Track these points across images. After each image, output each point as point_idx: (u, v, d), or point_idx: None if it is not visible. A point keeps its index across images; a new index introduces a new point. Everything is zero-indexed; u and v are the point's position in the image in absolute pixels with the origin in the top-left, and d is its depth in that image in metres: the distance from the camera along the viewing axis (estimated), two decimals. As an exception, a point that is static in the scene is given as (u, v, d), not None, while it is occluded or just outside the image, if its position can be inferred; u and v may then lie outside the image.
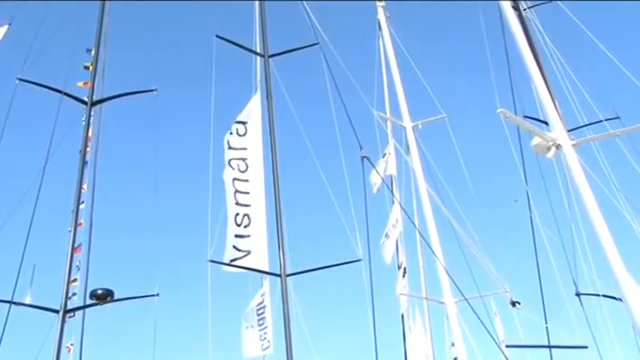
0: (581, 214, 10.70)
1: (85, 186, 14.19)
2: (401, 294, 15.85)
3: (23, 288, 12.75)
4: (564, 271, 15.40)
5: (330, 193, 13.88)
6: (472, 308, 9.96)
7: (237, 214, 12.57)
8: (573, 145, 8.53)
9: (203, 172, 13.78)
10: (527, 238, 16.54)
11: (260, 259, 12.60)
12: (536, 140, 8.67)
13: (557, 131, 8.59)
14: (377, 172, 15.56)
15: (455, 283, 11.97)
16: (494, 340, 8.85)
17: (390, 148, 17.14)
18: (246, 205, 12.70)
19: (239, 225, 12.45)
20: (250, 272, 12.79)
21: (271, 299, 12.31)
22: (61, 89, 14.50)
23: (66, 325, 12.69)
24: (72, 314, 12.95)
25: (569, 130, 9.53)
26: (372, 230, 14.83)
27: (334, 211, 13.88)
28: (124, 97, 15.28)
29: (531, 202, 16.07)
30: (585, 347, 14.47)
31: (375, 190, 16.53)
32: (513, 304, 14.96)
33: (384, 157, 16.96)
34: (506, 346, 14.73)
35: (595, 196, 9.83)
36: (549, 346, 15.26)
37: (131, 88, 15.56)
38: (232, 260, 12.42)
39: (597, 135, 10.30)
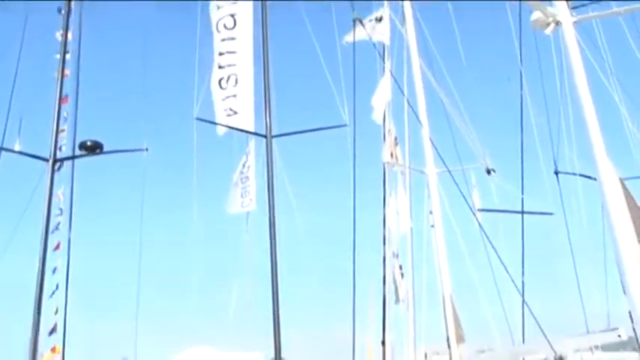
0: (570, 93, 10.70)
1: (70, 35, 13.78)
2: (386, 162, 16.16)
3: (11, 138, 12.85)
4: (546, 150, 15.77)
5: (319, 54, 13.62)
6: (452, 177, 10.25)
7: (222, 78, 12.40)
8: (574, 23, 8.36)
9: (192, 32, 13.40)
10: (515, 116, 16.70)
11: (246, 119, 12.64)
12: (536, 15, 8.45)
13: (559, 7, 8.35)
14: (367, 32, 15.07)
15: (438, 152, 12.22)
16: (469, 205, 9.19)
17: (385, 14, 16.54)
18: (230, 66, 12.47)
19: (224, 88, 12.32)
20: (236, 133, 12.90)
21: (256, 160, 12.55)
22: None
23: (56, 175, 12.95)
24: (61, 164, 13.15)
25: (572, 8, 9.24)
26: (360, 98, 14.82)
27: (323, 76, 13.74)
28: None
29: (523, 80, 16.03)
30: (551, 214, 15.33)
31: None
32: (488, 171, 15.76)
33: (377, 20, 16.40)
34: (480, 210, 15.59)
35: (588, 78, 9.81)
36: (520, 212, 16.06)
37: None
38: (220, 119, 12.47)
39: (598, 13, 9.98)
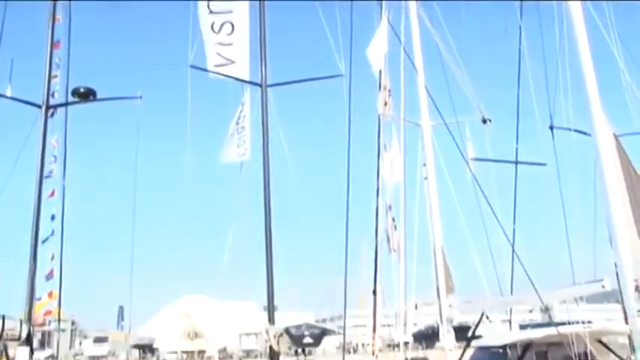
0: (570, 47, 10.65)
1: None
2: (381, 114, 16.12)
3: (3, 83, 12.69)
4: (542, 105, 15.78)
5: (316, 4, 13.37)
6: (447, 128, 10.21)
7: (214, 23, 12.21)
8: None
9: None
10: (512, 71, 16.66)
11: (242, 68, 12.51)
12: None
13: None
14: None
15: (434, 102, 12.17)
16: (462, 155, 9.21)
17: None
18: (225, 12, 12.25)
19: (217, 32, 12.14)
20: (231, 82, 12.78)
21: (251, 110, 12.48)
22: None
23: (50, 122, 12.86)
24: (54, 110, 13.04)
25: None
26: (357, 50, 14.65)
27: (320, 26, 13.53)
28: None
29: (522, 35, 15.97)
30: (544, 164, 15.49)
31: None
32: (484, 120, 15.88)
33: None
34: (473, 159, 15.75)
35: (588, 32, 9.75)
36: (514, 162, 16.23)
37: None
38: (215, 67, 12.34)
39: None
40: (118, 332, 67.67)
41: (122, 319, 66.76)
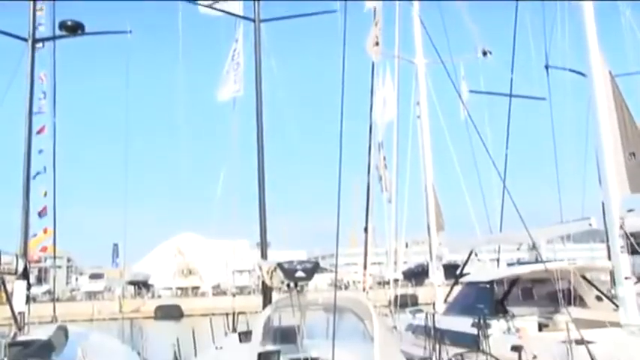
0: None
1: None
2: (369, 50, 15.88)
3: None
4: (539, 44, 15.62)
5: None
6: (443, 63, 10.08)
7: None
8: None
9: None
10: (510, 9, 16.38)
11: (234, 3, 12.21)
12: None
13: None
14: None
15: (429, 36, 11.97)
16: (456, 90, 9.14)
17: None
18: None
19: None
20: (223, 18, 12.48)
21: (243, 46, 12.26)
22: None
23: (38, 57, 12.59)
24: (41, 44, 12.74)
25: None
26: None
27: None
28: None
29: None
30: (543, 99, 15.46)
31: None
32: (485, 53, 15.82)
33: None
34: (469, 92, 15.75)
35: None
36: (509, 95, 16.19)
37: None
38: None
39: None
40: (113, 269, 68.94)
41: (117, 257, 67.87)
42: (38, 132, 13.12)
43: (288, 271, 7.46)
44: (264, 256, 10.53)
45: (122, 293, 51.88)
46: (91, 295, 59.40)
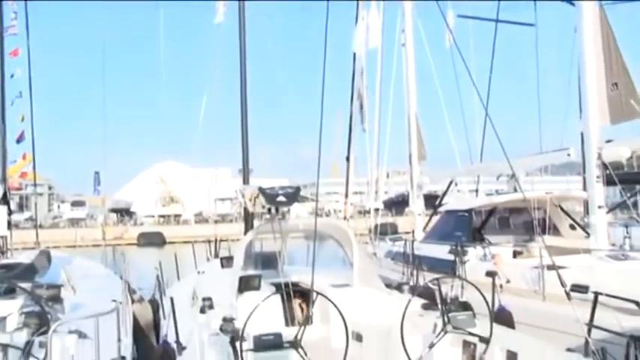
0: None
1: None
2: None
3: None
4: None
5: None
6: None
7: None
8: None
9: None
10: None
11: None
12: None
13: None
14: None
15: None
16: (442, 14, 8.92)
17: None
18: None
19: None
20: None
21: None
22: None
23: None
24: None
25: None
26: None
27: None
28: None
29: None
30: (532, 25, 15.27)
31: None
32: None
33: None
34: (457, 16, 15.48)
35: None
36: (495, 20, 15.98)
37: None
38: None
39: None
40: (94, 197, 68.90)
41: (98, 185, 67.61)
42: (11, 55, 12.74)
43: (269, 195, 7.47)
44: (246, 182, 10.55)
45: (104, 221, 52.10)
46: (73, 223, 59.61)
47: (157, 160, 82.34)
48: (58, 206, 71.09)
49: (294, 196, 7.34)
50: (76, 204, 66.36)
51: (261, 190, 7.69)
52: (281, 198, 7.21)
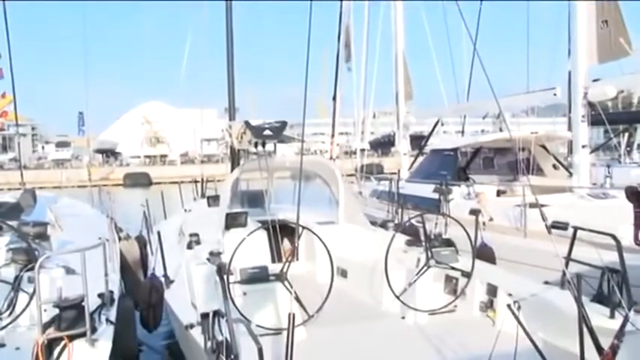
0: None
1: None
2: None
3: None
4: None
5: None
6: None
7: None
8: None
9: None
10: None
11: None
12: None
13: None
14: None
15: None
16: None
17: None
18: None
19: None
20: None
21: None
22: None
23: None
24: None
25: None
26: None
27: None
28: None
29: None
30: None
31: None
32: None
33: None
34: None
35: None
36: None
37: None
38: None
39: None
40: (79, 138, 68.15)
41: (82, 125, 66.80)
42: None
43: (256, 129, 7.42)
44: (232, 119, 10.47)
45: (90, 161, 51.72)
46: (58, 164, 59.10)
47: (142, 100, 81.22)
48: (43, 147, 70.29)
49: (280, 130, 7.30)
50: (61, 145, 65.62)
51: (247, 124, 7.63)
52: (267, 132, 7.16)
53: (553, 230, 5.46)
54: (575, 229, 5.39)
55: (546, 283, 5.42)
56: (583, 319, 3.99)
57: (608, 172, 11.52)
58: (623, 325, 4.32)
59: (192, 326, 4.61)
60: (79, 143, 65.28)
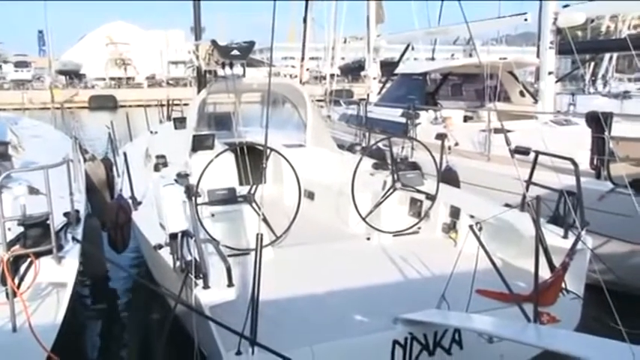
0: None
1: None
2: None
3: None
4: None
5: None
6: None
7: None
8: None
9: None
10: None
11: None
12: None
13: None
14: None
15: None
16: None
17: None
18: None
19: None
20: None
21: None
22: None
23: None
24: None
25: None
26: None
27: None
28: None
29: None
30: None
31: None
32: None
33: None
34: None
35: None
36: None
37: None
38: None
39: None
40: (40, 58, 65.37)
41: (43, 45, 64.02)
42: None
43: (223, 49, 7.23)
44: (198, 38, 10.15)
45: (52, 83, 49.95)
46: (19, 84, 56.91)
47: (105, 20, 77.86)
48: (0, 67, 67.38)
49: (248, 50, 7.13)
50: (20, 64, 62.79)
51: (214, 43, 7.43)
52: (235, 52, 6.99)
53: (516, 155, 5.58)
54: (537, 153, 5.53)
55: (507, 205, 5.60)
56: (539, 239, 4.17)
57: (572, 101, 11.70)
58: (575, 244, 4.55)
59: (160, 247, 4.65)
60: (40, 64, 62.76)
